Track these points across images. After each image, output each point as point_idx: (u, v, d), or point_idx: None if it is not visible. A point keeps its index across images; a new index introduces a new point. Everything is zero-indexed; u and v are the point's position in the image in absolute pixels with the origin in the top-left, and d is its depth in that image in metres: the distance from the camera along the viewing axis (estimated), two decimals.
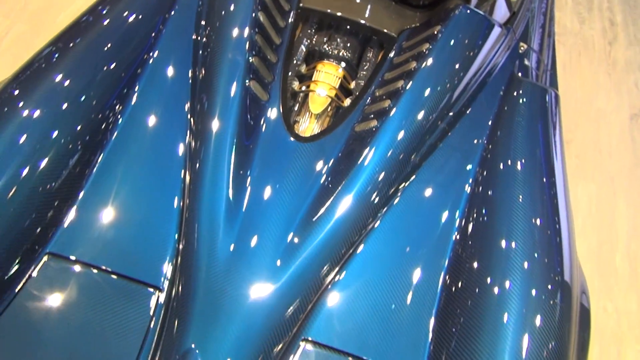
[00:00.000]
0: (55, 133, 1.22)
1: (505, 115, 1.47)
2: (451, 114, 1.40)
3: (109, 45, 1.38)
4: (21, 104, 1.22)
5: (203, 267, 1.13)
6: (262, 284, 1.12)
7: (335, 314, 1.14)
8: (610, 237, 2.21)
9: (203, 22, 1.47)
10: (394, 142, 1.29)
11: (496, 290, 1.13)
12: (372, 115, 1.36)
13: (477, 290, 1.14)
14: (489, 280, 1.15)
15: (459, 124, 1.42)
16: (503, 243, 1.20)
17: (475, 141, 1.40)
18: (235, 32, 1.41)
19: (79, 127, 1.25)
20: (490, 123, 1.44)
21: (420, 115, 1.33)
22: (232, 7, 1.45)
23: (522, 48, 1.75)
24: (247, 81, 1.34)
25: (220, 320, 1.09)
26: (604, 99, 2.79)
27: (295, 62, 1.59)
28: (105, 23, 1.42)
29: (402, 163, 1.29)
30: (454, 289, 1.17)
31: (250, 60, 1.37)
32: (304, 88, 1.55)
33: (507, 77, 1.59)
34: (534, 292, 1.13)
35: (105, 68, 1.34)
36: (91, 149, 1.26)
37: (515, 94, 1.54)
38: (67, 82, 1.29)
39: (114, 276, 1.13)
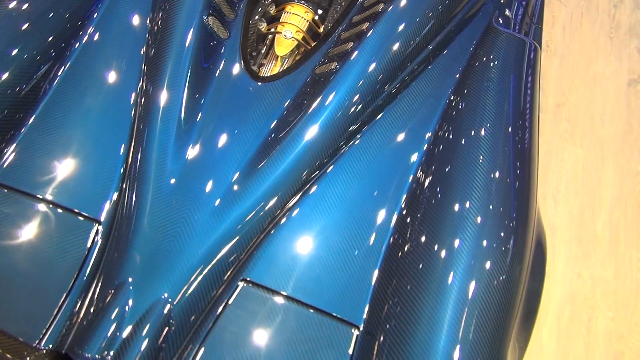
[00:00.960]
0: (14, 51, 1.20)
1: (476, 64, 1.41)
2: (418, 59, 1.35)
3: None
4: None
5: (144, 201, 1.11)
6: (203, 222, 1.10)
7: (278, 257, 1.12)
8: (594, 204, 2.16)
9: None
10: (352, 85, 1.24)
11: (444, 240, 1.10)
12: (334, 57, 1.31)
13: (425, 240, 1.11)
14: (438, 229, 1.11)
15: (427, 70, 1.37)
16: (457, 193, 1.16)
17: (442, 90, 1.34)
18: None
19: (33, 52, 1.23)
20: (460, 71, 1.38)
21: (383, 59, 1.28)
22: None
23: None
24: (204, 17, 1.29)
25: (157, 256, 1.07)
26: (603, 63, 2.69)
27: (264, 1, 1.54)
28: None
29: (359, 108, 1.24)
30: (401, 240, 1.13)
31: None
32: (272, 30, 1.49)
33: (484, 26, 1.52)
34: (485, 241, 1.10)
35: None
36: (43, 77, 1.24)
37: (490, 43, 1.47)
38: (24, 6, 1.26)
39: (54, 207, 1.11)
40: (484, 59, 1.42)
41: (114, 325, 0.98)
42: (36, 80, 1.22)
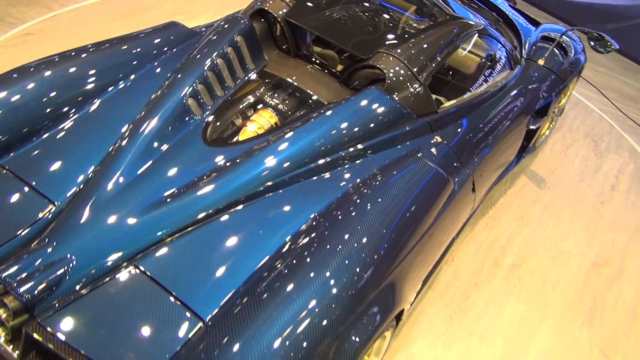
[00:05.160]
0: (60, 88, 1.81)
1: (379, 176, 1.79)
2: (323, 161, 1.77)
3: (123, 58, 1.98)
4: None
5: (88, 199, 1.56)
6: (126, 222, 1.52)
7: (166, 258, 1.50)
8: (519, 355, 2.26)
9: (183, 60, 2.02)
10: (265, 164, 1.68)
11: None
12: (270, 141, 1.76)
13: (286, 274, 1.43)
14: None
15: (327, 174, 1.78)
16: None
17: (331, 192, 1.73)
18: (193, 67, 1.94)
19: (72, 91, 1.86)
20: (358, 179, 1.77)
21: (293, 152, 1.72)
22: (201, 50, 1.99)
23: (436, 140, 2.07)
24: (185, 98, 1.82)
25: (75, 233, 1.49)
26: (573, 244, 2.90)
27: (243, 105, 2.06)
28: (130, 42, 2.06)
29: (264, 179, 1.66)
30: (275, 266, 1.47)
31: (196, 86, 1.86)
32: (243, 123, 1.99)
33: (402, 153, 1.92)
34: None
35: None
36: (67, 112, 1.79)
37: (400, 165, 1.86)
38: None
39: (26, 186, 1.57)
40: (390, 174, 1.80)
41: (26, 263, 1.37)
42: (63, 111, 1.77)
